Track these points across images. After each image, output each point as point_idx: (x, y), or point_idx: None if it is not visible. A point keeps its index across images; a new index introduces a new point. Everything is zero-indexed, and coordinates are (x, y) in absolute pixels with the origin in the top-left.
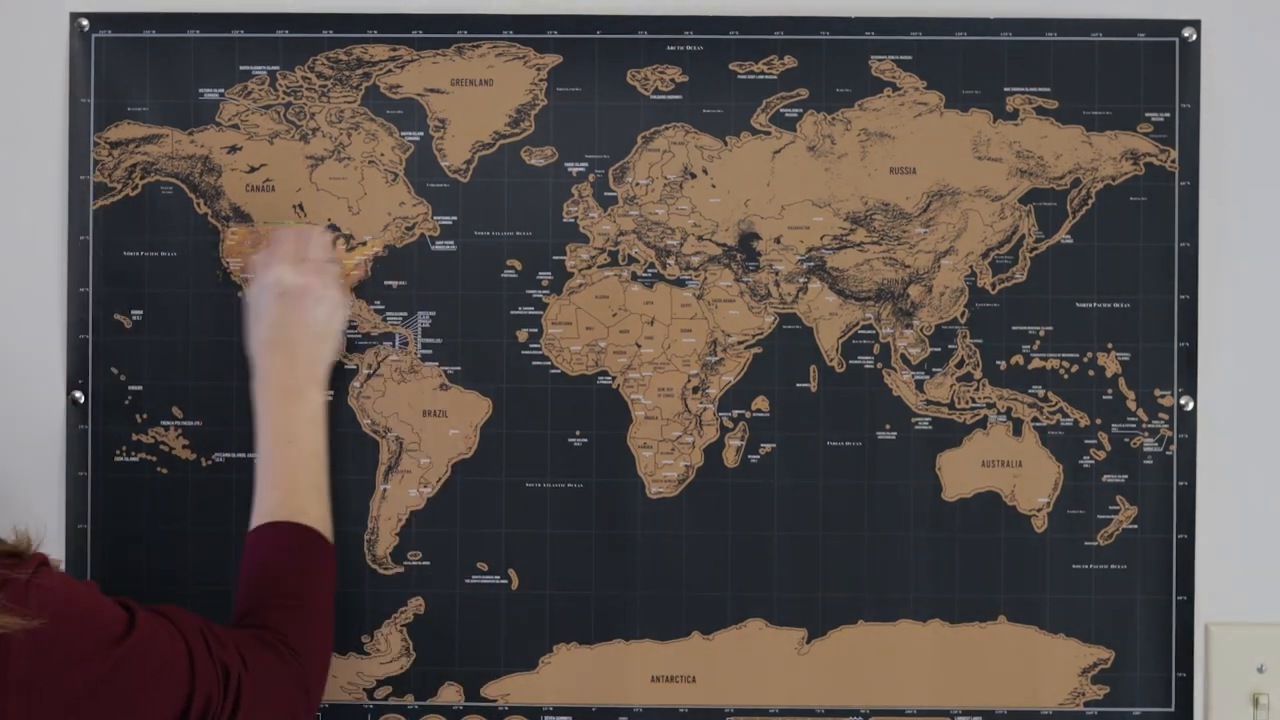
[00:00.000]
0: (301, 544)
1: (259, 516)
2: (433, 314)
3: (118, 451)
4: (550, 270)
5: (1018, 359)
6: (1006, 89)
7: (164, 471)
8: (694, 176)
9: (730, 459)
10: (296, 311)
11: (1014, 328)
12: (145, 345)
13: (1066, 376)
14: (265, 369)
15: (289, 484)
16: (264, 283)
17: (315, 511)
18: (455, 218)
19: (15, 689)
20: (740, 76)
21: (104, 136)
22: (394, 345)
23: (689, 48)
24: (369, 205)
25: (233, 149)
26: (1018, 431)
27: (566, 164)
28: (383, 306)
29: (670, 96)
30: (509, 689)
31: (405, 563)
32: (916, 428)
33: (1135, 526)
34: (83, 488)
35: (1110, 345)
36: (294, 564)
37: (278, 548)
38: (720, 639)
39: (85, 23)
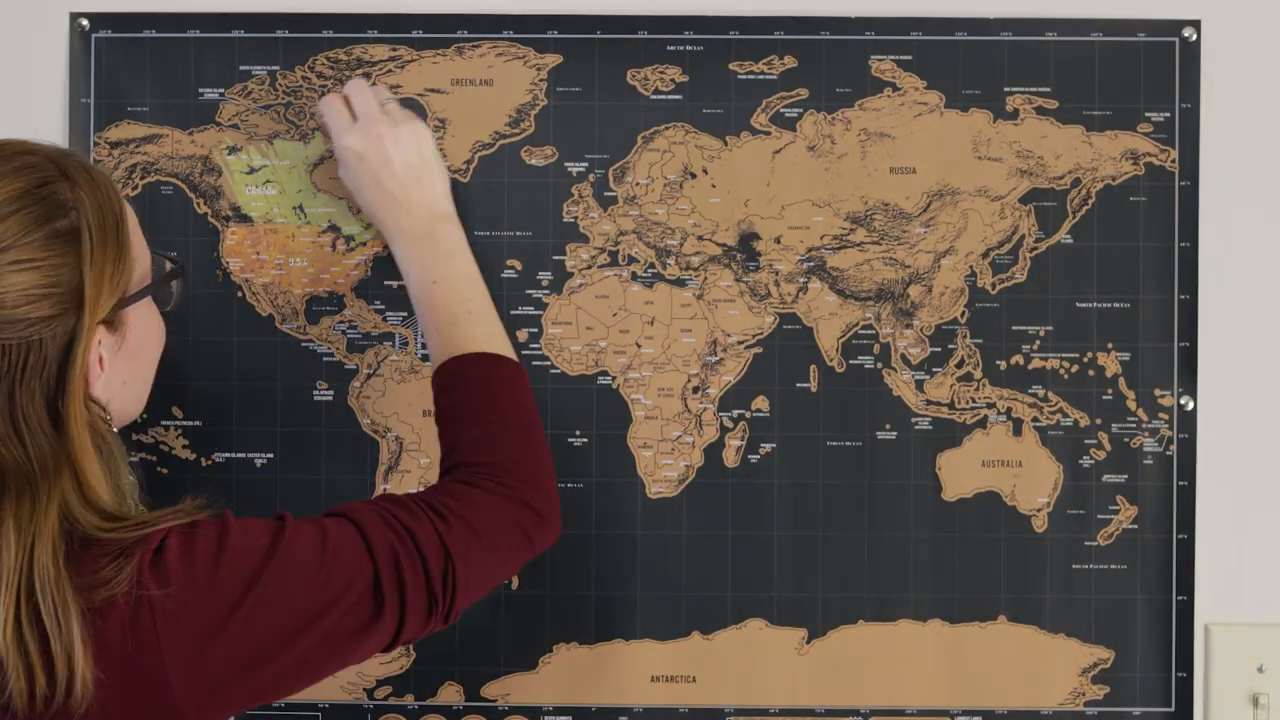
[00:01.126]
0: (476, 369)
1: (434, 362)
2: None
3: None
4: (550, 270)
5: (1018, 359)
6: (1006, 89)
7: (164, 471)
8: (694, 176)
9: (730, 459)
10: (381, 165)
11: (1014, 328)
12: None
13: (1066, 376)
14: (387, 227)
15: (448, 319)
16: (341, 159)
17: (481, 332)
18: None
19: (167, 635)
20: (740, 76)
21: (104, 136)
22: (394, 345)
23: (689, 48)
24: None
25: (233, 149)
26: (1018, 431)
27: (566, 164)
28: (383, 306)
29: (670, 96)
30: (509, 689)
31: None
32: (916, 428)
33: (1135, 526)
34: None
35: (1110, 345)
36: (476, 391)
37: (452, 381)
38: (720, 639)
39: (85, 23)
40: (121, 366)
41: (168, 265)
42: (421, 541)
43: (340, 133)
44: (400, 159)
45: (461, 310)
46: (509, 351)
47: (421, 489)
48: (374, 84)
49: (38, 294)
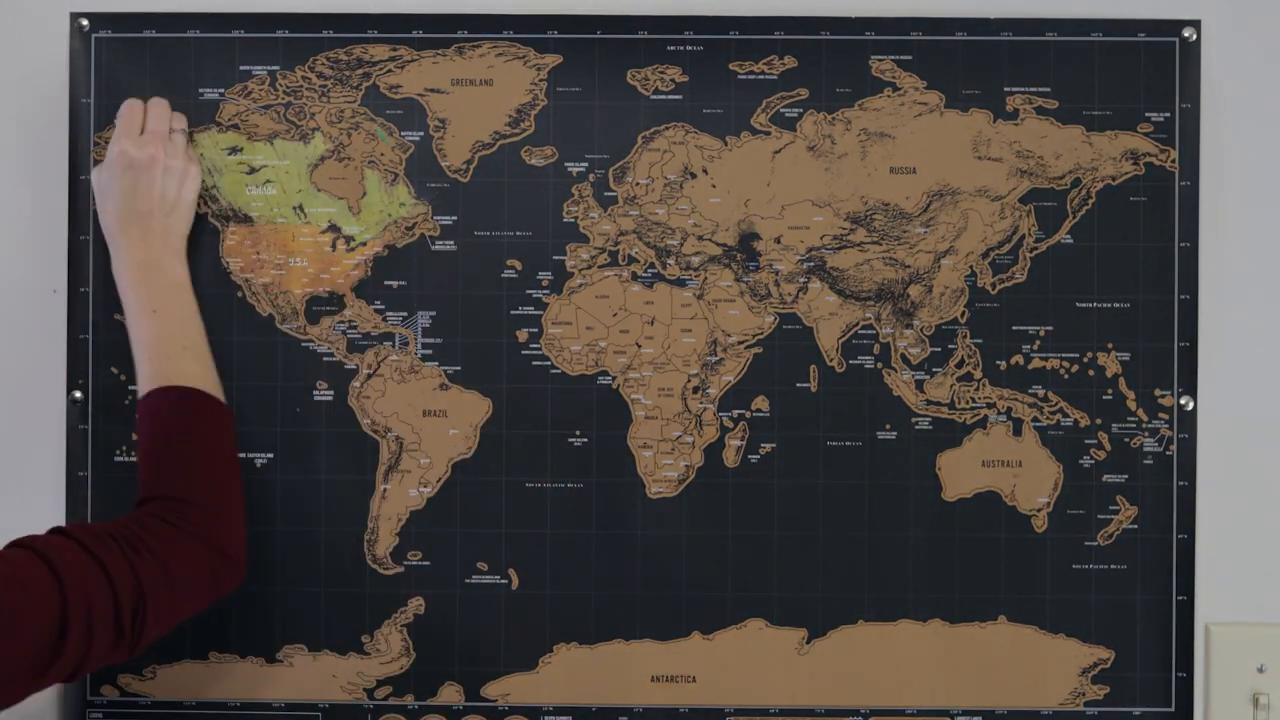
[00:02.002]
0: (182, 403)
1: (140, 392)
2: (433, 314)
3: (118, 451)
4: (550, 270)
5: (1018, 359)
6: (1006, 89)
7: None
8: (694, 176)
9: (730, 459)
10: (144, 184)
11: (1014, 328)
12: None
13: (1066, 376)
14: (120, 246)
15: (161, 351)
16: (109, 158)
17: (191, 369)
18: (455, 218)
19: None
20: (740, 76)
21: (104, 136)
22: (394, 345)
23: (689, 48)
24: (369, 205)
25: (233, 150)
26: (1018, 431)
27: (566, 164)
28: (383, 306)
29: (670, 96)
30: (509, 689)
31: (405, 563)
32: (916, 428)
33: (1135, 526)
34: (83, 488)
35: (1110, 345)
36: (179, 424)
37: (156, 412)
38: (720, 639)
39: (85, 23)
40: None
41: None
42: (114, 576)
43: (122, 134)
44: (161, 185)
45: (176, 345)
46: (218, 392)
47: (116, 520)
48: (175, 112)
49: None
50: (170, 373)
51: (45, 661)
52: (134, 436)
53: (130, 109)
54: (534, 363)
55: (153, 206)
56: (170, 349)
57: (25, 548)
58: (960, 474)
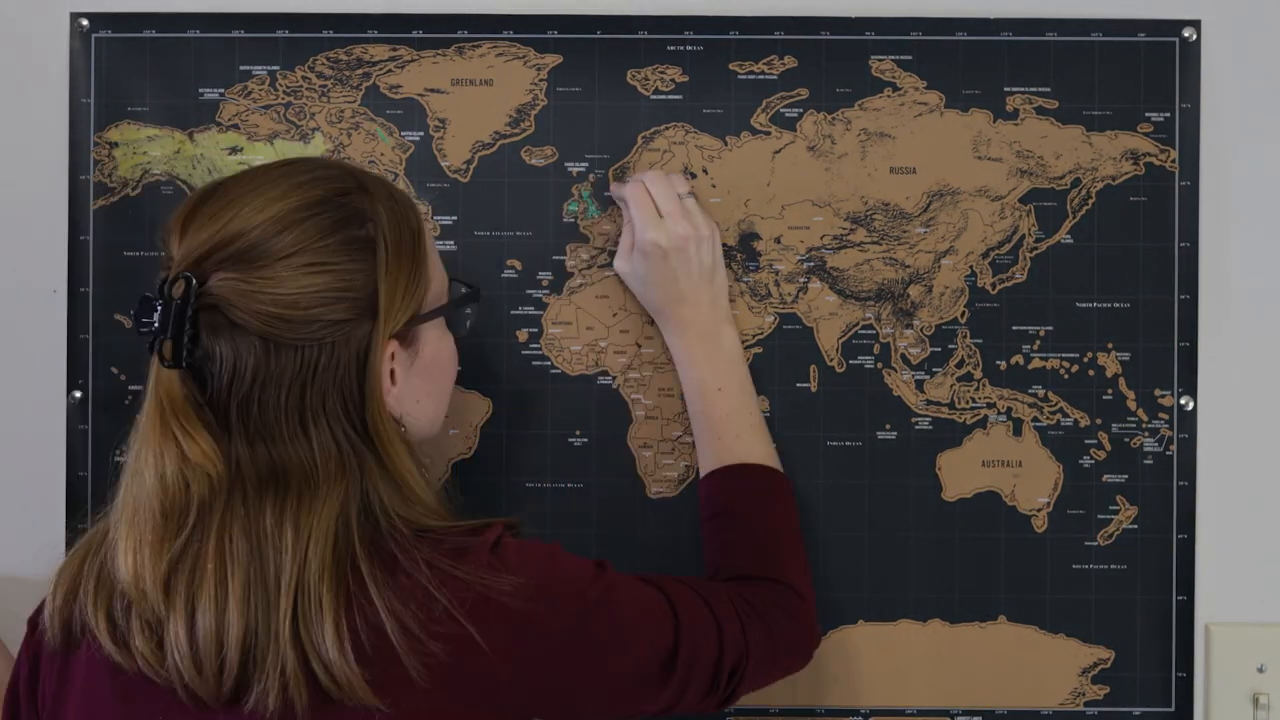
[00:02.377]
0: (759, 482)
1: (706, 469)
2: None
3: (118, 451)
4: (550, 270)
5: (1018, 359)
6: (1006, 89)
7: None
8: (694, 176)
9: None
10: (682, 265)
11: (1014, 328)
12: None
13: (1066, 376)
14: (668, 322)
15: (731, 430)
16: (642, 249)
17: (760, 449)
18: (455, 218)
19: (499, 651)
20: (740, 76)
21: (104, 136)
22: None
23: (689, 48)
24: None
25: (234, 150)
26: (1018, 431)
27: (566, 164)
28: None
29: (670, 96)
30: None
31: None
32: (916, 428)
33: (1135, 526)
34: (83, 488)
35: (1110, 345)
36: (757, 504)
37: (735, 490)
38: None
39: (85, 23)
40: (415, 384)
41: (463, 290)
42: (725, 632)
43: (646, 226)
44: (698, 260)
45: (745, 423)
46: (779, 467)
47: (735, 585)
48: (669, 174)
49: (331, 296)
50: (741, 452)
51: (649, 692)
52: (702, 511)
53: (635, 194)
54: (534, 363)
55: (694, 283)
56: (739, 427)
57: (652, 584)
58: (960, 474)
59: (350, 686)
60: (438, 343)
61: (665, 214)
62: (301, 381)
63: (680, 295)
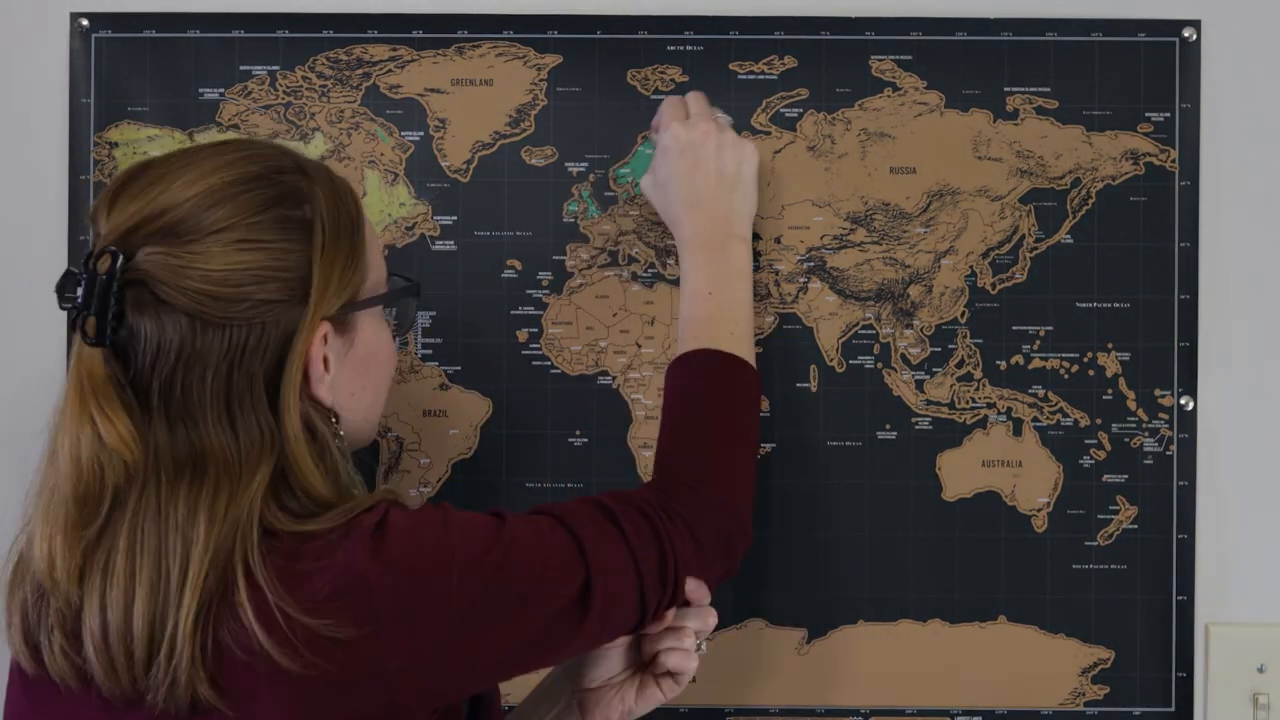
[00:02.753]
0: (714, 368)
1: (677, 353)
2: (433, 314)
3: None
4: (550, 270)
5: (1018, 359)
6: (1006, 89)
7: None
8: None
9: None
10: (700, 164)
11: (1014, 328)
12: None
13: (1066, 376)
14: (680, 230)
15: (707, 333)
16: (662, 145)
17: (730, 347)
18: (455, 218)
19: (389, 621)
20: (740, 76)
21: (104, 136)
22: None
23: (689, 48)
24: (369, 205)
25: None
26: (1018, 431)
27: (566, 164)
28: None
29: (670, 96)
30: (510, 688)
31: None
32: (916, 428)
33: (1135, 526)
34: None
35: (1110, 345)
36: (717, 389)
37: (691, 373)
38: (720, 639)
39: (85, 23)
40: (349, 375)
41: (403, 284)
42: (638, 552)
43: (671, 120)
44: (719, 162)
45: (724, 329)
46: (752, 364)
47: (647, 488)
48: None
49: (264, 275)
50: (708, 345)
51: (568, 633)
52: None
53: (672, 101)
54: (534, 363)
55: (711, 186)
56: (717, 334)
57: (550, 515)
58: (960, 474)
59: (240, 681)
60: (374, 334)
61: (692, 114)
62: (229, 363)
63: (695, 197)
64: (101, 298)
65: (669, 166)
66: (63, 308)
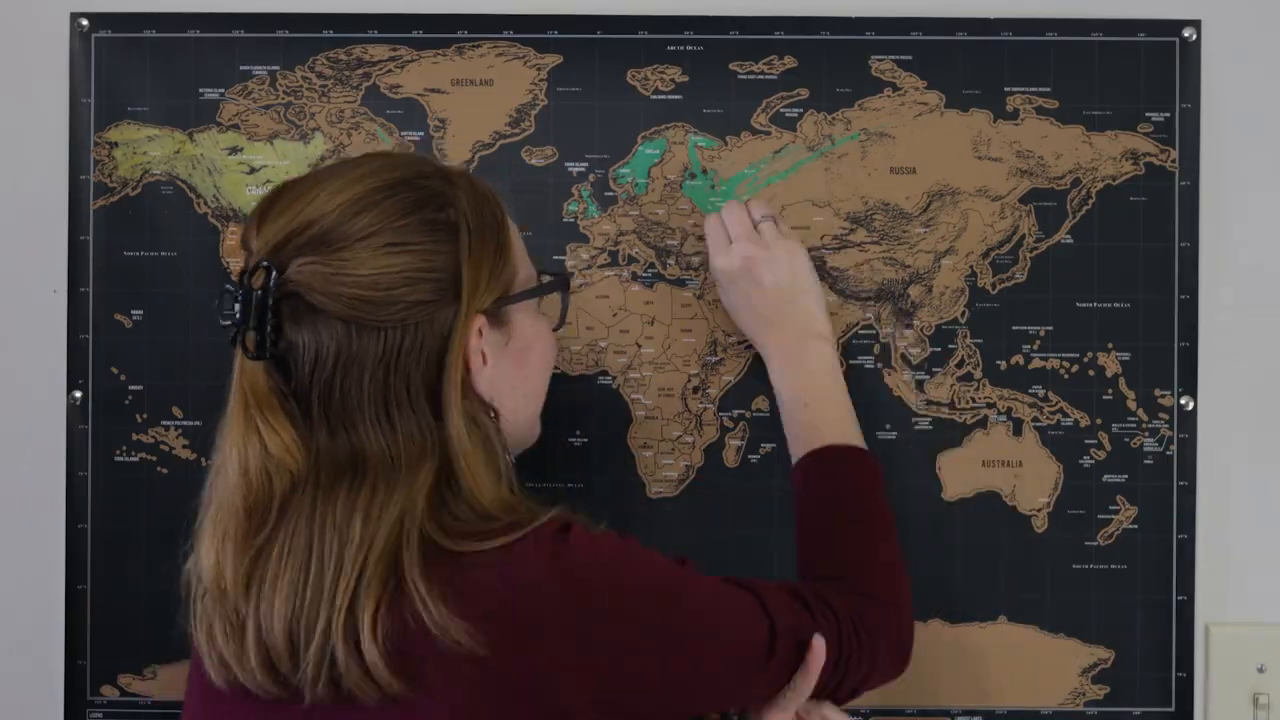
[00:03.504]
0: (847, 462)
1: (796, 457)
2: None
3: (118, 451)
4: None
5: (1018, 359)
6: (1006, 89)
7: (164, 471)
8: (694, 176)
9: (730, 459)
10: (752, 287)
11: (1014, 328)
12: (145, 345)
13: (1066, 376)
14: (764, 349)
15: (818, 440)
16: (715, 280)
17: (842, 441)
18: None
19: (556, 633)
20: (740, 76)
21: (104, 136)
22: None
23: (689, 48)
24: None
25: (234, 150)
26: (1018, 431)
27: (566, 164)
28: None
29: (670, 96)
30: None
31: None
32: (916, 428)
33: (1135, 526)
34: (83, 488)
35: (1110, 345)
36: (856, 498)
37: (827, 474)
38: None
39: (85, 23)
40: (508, 368)
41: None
42: (819, 620)
43: (714, 254)
44: (770, 279)
45: (835, 434)
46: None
47: (835, 590)
48: (747, 201)
49: (414, 276)
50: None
51: (748, 678)
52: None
53: (711, 226)
54: None
55: (772, 300)
56: (830, 437)
57: (735, 583)
58: (960, 474)
59: (389, 685)
60: (530, 327)
61: (734, 238)
62: (385, 366)
63: (762, 319)
64: (259, 313)
65: (727, 298)
66: (223, 325)
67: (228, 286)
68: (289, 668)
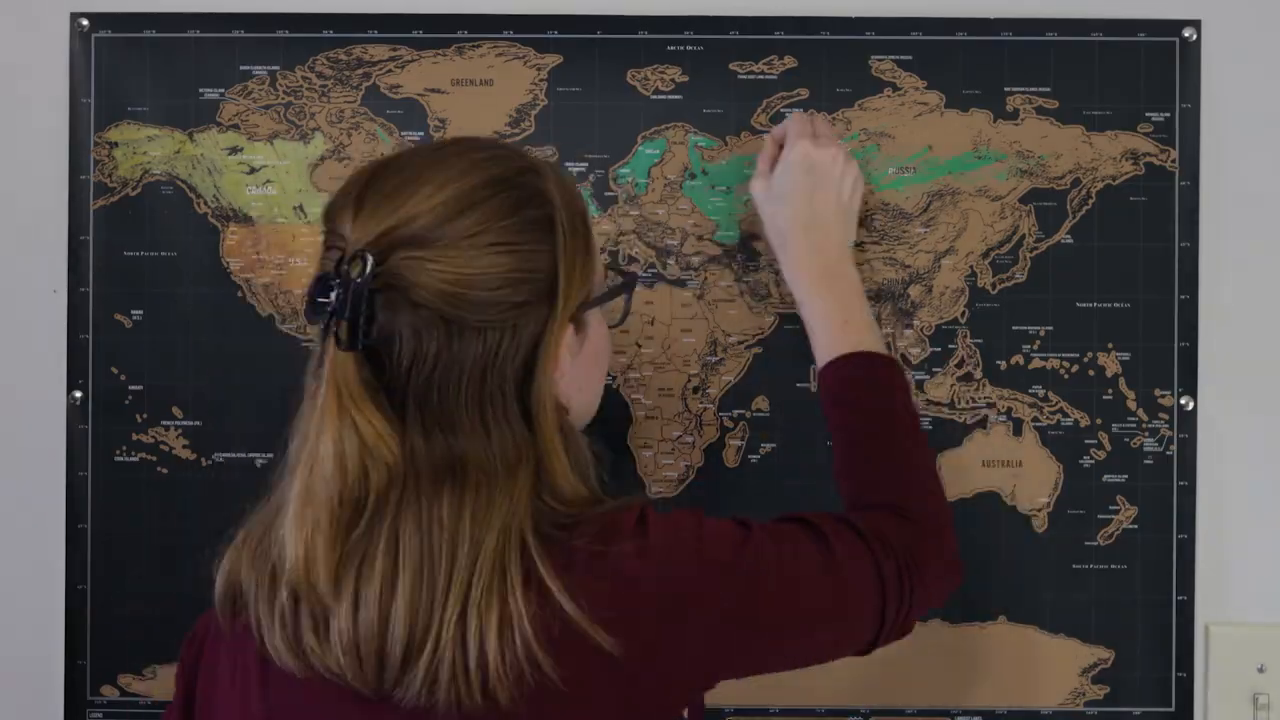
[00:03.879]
0: (896, 373)
1: (828, 376)
2: None
3: (118, 451)
4: None
5: (1018, 359)
6: (1006, 89)
7: (164, 471)
8: (694, 176)
9: (730, 459)
10: (822, 186)
11: (1014, 328)
12: (145, 345)
13: (1066, 376)
14: (798, 251)
15: (856, 347)
16: (788, 160)
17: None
18: None
19: (656, 622)
20: (740, 76)
21: (104, 136)
22: None
23: (689, 48)
24: None
25: (234, 150)
26: (1018, 431)
27: (567, 164)
28: None
29: (670, 96)
30: None
31: None
32: None
33: (1135, 526)
34: (83, 488)
35: (1110, 345)
36: (894, 401)
37: (853, 380)
38: None
39: (85, 23)
40: (580, 370)
41: (620, 278)
42: (887, 586)
43: (801, 136)
44: (839, 189)
45: (875, 346)
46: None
47: (889, 522)
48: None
49: (516, 277)
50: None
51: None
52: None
53: (800, 116)
54: None
55: (832, 211)
56: (869, 349)
57: (798, 522)
58: (960, 474)
59: (506, 685)
60: (601, 328)
61: (819, 134)
62: (483, 367)
63: (813, 218)
64: (355, 303)
65: (792, 182)
66: (315, 312)
67: (324, 274)
68: (377, 666)
